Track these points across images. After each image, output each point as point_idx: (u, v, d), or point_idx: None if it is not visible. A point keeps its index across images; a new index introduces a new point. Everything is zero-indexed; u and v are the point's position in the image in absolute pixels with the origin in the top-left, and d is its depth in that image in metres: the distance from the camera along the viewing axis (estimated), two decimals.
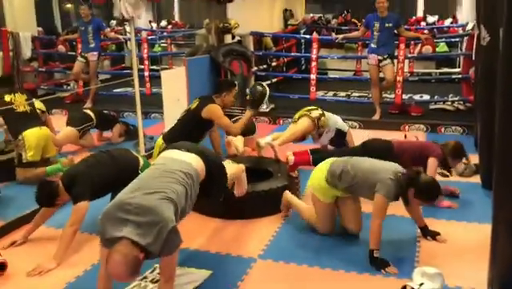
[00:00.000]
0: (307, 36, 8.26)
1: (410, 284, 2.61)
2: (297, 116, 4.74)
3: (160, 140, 4.26)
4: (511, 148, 2.07)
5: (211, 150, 3.31)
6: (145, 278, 2.85)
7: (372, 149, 3.92)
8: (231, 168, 3.21)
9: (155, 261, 2.88)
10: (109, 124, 5.83)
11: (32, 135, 4.37)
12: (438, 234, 3.31)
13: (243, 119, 4.44)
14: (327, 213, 3.35)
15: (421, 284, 2.59)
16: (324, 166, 3.31)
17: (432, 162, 3.84)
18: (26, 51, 8.10)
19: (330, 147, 4.81)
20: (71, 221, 3.08)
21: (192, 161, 2.70)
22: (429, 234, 3.30)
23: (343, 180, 3.16)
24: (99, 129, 5.79)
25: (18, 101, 4.48)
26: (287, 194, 3.69)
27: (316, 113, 4.63)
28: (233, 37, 7.06)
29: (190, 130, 4.18)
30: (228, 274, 2.90)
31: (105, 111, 5.98)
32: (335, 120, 4.75)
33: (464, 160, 4.21)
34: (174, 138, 3.69)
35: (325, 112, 4.72)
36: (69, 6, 11.14)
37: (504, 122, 2.08)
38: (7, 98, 4.47)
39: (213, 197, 3.05)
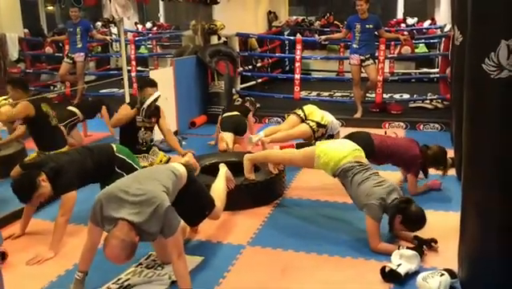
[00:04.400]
0: (291, 37, 8.46)
1: (389, 265, 2.81)
2: (301, 113, 5.02)
3: None
4: (478, 137, 2.27)
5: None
6: (140, 264, 3.00)
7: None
8: (219, 187, 3.40)
9: (149, 248, 3.06)
10: (95, 109, 5.88)
11: None
12: (435, 241, 3.18)
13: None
14: (308, 165, 3.67)
15: (399, 265, 2.80)
16: (342, 158, 3.40)
17: (411, 180, 4.06)
18: (13, 53, 8.12)
19: None
20: (62, 211, 3.18)
21: (177, 166, 2.91)
22: (425, 242, 3.14)
23: (341, 180, 3.42)
24: (88, 118, 5.83)
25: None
26: (248, 156, 3.97)
27: (313, 124, 4.86)
28: (219, 38, 7.24)
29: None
30: (219, 260, 3.07)
31: (89, 99, 6.00)
32: (331, 120, 5.03)
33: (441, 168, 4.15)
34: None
35: (324, 116, 4.97)
36: (51, 8, 11.14)
37: (470, 113, 2.29)
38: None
39: (190, 216, 3.04)
